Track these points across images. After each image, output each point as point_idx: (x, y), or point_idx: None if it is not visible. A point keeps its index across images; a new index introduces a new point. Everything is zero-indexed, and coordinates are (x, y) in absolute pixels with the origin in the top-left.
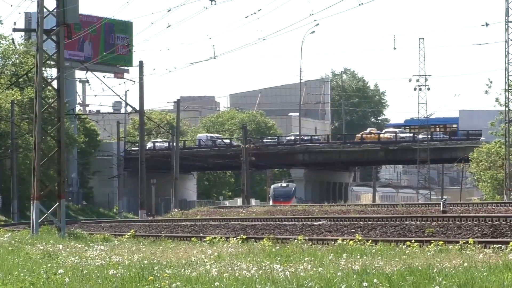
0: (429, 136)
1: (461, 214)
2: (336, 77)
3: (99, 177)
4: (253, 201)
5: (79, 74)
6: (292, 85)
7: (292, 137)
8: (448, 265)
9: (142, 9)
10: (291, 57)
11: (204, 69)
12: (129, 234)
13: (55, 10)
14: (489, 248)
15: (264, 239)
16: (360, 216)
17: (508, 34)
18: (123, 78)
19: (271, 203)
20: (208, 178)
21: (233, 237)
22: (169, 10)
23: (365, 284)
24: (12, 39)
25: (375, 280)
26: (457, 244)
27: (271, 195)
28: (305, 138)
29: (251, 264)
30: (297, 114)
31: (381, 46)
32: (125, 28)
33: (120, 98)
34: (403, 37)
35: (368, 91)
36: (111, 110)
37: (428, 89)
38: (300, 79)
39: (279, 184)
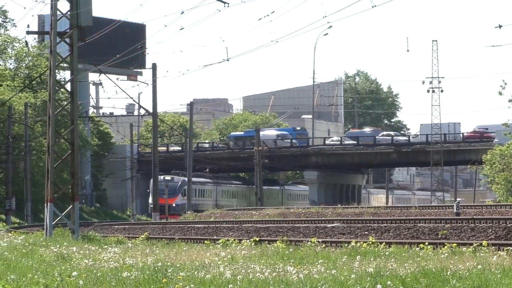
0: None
1: (475, 216)
2: (349, 79)
3: (112, 179)
4: None
5: (93, 76)
6: (305, 87)
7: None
8: (462, 267)
9: (155, 11)
10: (304, 59)
11: (217, 71)
12: (142, 236)
13: (69, 13)
14: (503, 250)
15: (278, 242)
16: (373, 219)
17: None
18: (136, 80)
19: (150, 200)
20: None
21: (246, 240)
22: (182, 12)
23: (379, 286)
24: (26, 41)
25: (388, 282)
26: (471, 246)
27: (151, 190)
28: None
29: (264, 267)
30: (310, 116)
31: (394, 48)
32: (138, 30)
33: (134, 100)
34: (416, 39)
35: (381, 93)
36: (125, 113)
37: (442, 91)
38: (313, 81)
39: (162, 177)
